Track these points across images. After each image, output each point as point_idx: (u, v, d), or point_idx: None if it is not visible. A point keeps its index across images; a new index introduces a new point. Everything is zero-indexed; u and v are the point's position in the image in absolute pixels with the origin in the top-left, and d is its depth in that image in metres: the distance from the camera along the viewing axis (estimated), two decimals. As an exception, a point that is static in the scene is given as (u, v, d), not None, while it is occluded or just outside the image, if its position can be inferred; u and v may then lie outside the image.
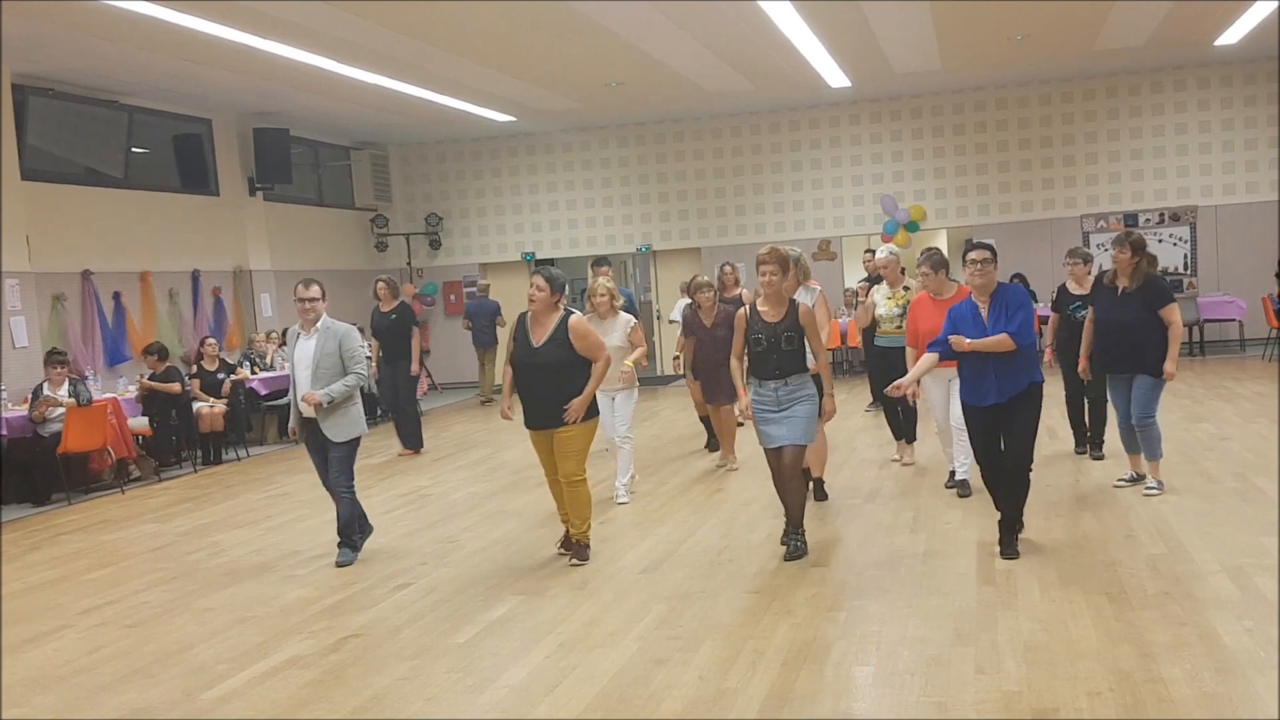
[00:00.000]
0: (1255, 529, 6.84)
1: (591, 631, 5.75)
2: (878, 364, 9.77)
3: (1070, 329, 9.13)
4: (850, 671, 4.96)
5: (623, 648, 5.44)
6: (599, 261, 12.08)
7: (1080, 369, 8.49)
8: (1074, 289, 9.32)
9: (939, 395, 8.34)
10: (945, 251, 9.43)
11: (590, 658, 5.34)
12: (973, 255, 6.59)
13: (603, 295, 9.05)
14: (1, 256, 12.04)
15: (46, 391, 11.26)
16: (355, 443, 7.65)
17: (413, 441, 12.77)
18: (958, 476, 8.46)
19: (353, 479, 7.69)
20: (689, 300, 10.53)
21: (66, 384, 11.36)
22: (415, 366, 12.63)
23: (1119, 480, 8.36)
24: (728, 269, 11.20)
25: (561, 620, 5.98)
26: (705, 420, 11.35)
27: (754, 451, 9.53)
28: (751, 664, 5.09)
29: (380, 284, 12.69)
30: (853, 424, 12.39)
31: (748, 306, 7.02)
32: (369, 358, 14.42)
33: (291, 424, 7.73)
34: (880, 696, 4.66)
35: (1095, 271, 9.12)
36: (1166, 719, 4.23)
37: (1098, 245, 17.39)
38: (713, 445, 11.26)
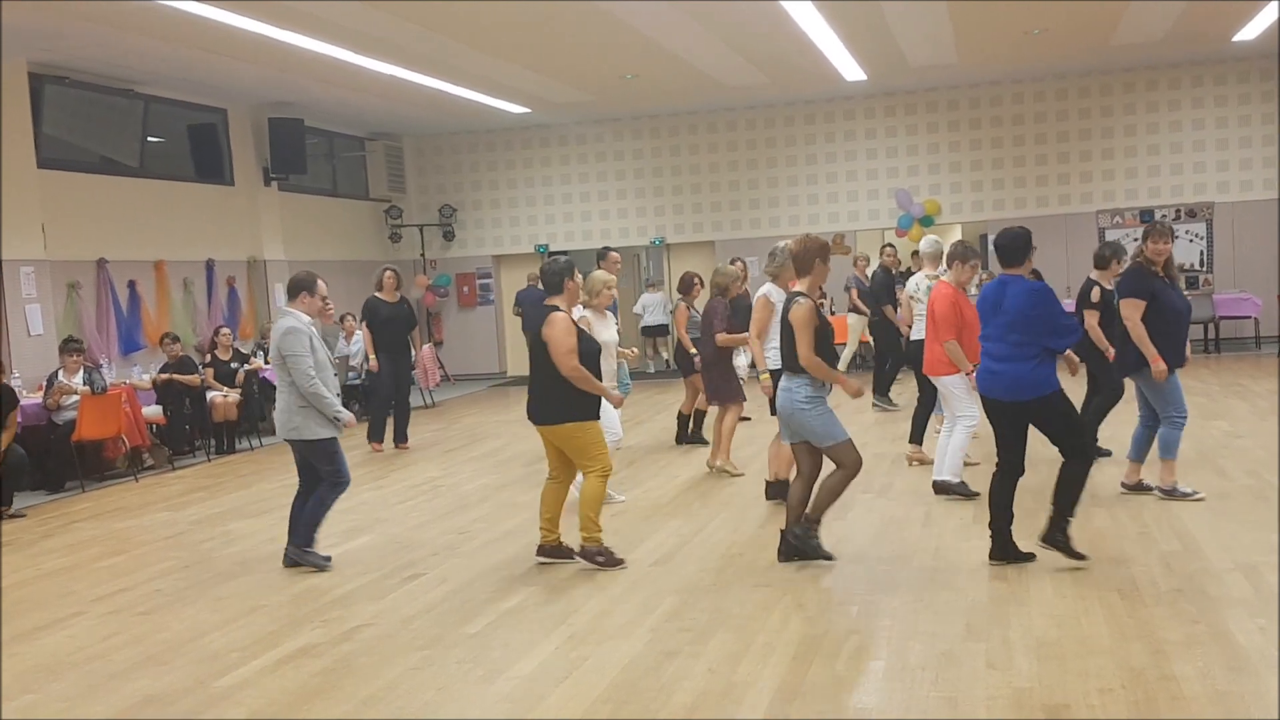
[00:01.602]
0: (1269, 527, 6.80)
1: (602, 623, 5.76)
2: (918, 356, 9.24)
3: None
4: (861, 666, 4.96)
5: (633, 640, 5.44)
6: (606, 249, 11.76)
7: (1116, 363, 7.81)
8: (1110, 286, 8.56)
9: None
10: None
11: (601, 649, 5.34)
12: None
13: (610, 289, 8.62)
14: (13, 244, 12.10)
15: (61, 379, 11.31)
16: None
17: (404, 436, 12.69)
18: (958, 479, 8.16)
19: None
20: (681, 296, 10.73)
21: (81, 372, 11.42)
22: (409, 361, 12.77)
23: (1158, 491, 7.78)
24: (738, 264, 11.12)
25: (572, 611, 5.99)
26: (688, 418, 11.35)
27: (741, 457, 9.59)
28: (762, 657, 5.09)
29: (388, 273, 12.63)
30: (865, 419, 12.36)
31: (804, 296, 6.54)
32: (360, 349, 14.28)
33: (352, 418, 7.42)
34: (891, 691, 4.66)
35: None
36: (1178, 717, 4.22)
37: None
38: (684, 439, 11.35)
